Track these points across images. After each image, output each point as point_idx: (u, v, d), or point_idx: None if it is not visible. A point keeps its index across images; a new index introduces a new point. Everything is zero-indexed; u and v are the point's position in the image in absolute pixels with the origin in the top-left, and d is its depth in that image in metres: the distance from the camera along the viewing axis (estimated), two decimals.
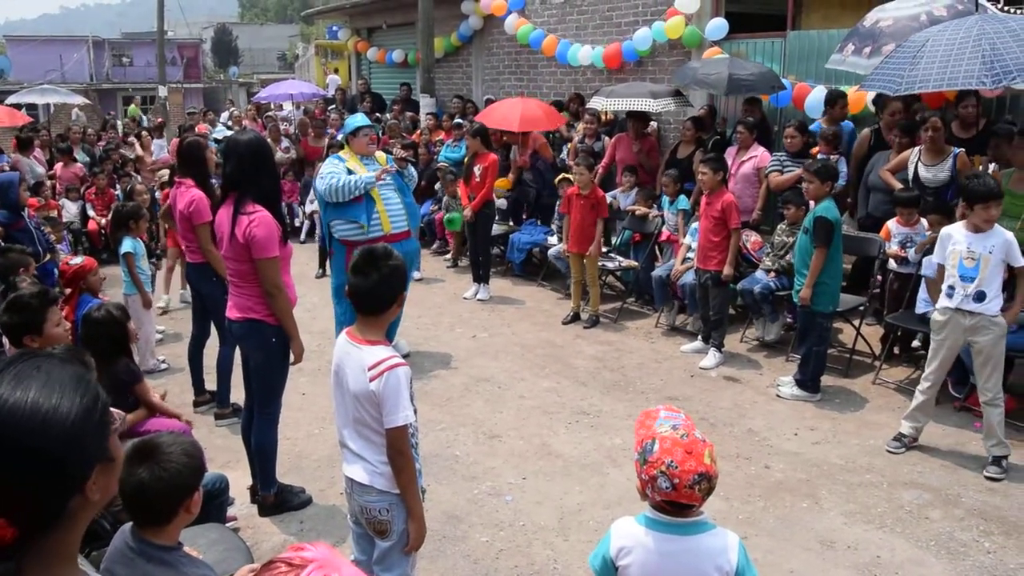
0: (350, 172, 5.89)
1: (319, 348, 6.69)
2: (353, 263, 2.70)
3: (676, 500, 1.94)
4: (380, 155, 6.18)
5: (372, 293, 2.66)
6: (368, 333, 2.70)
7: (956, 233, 4.63)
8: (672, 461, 1.92)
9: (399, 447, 2.64)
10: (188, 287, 8.06)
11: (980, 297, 4.48)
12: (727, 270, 6.22)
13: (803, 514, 4.19)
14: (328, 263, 9.27)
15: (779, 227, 6.66)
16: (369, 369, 2.59)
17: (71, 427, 1.11)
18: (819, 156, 6.90)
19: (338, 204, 5.85)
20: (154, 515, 2.12)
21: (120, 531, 2.17)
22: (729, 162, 7.23)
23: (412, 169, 6.33)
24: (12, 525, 1.07)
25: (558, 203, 8.35)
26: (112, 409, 1.31)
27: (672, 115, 9.54)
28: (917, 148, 6.26)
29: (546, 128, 9.61)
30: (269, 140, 11.43)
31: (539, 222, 9.34)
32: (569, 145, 9.63)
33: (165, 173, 8.58)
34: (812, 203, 5.71)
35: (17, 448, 1.07)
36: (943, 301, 4.64)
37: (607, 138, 9.22)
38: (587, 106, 9.75)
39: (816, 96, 7.73)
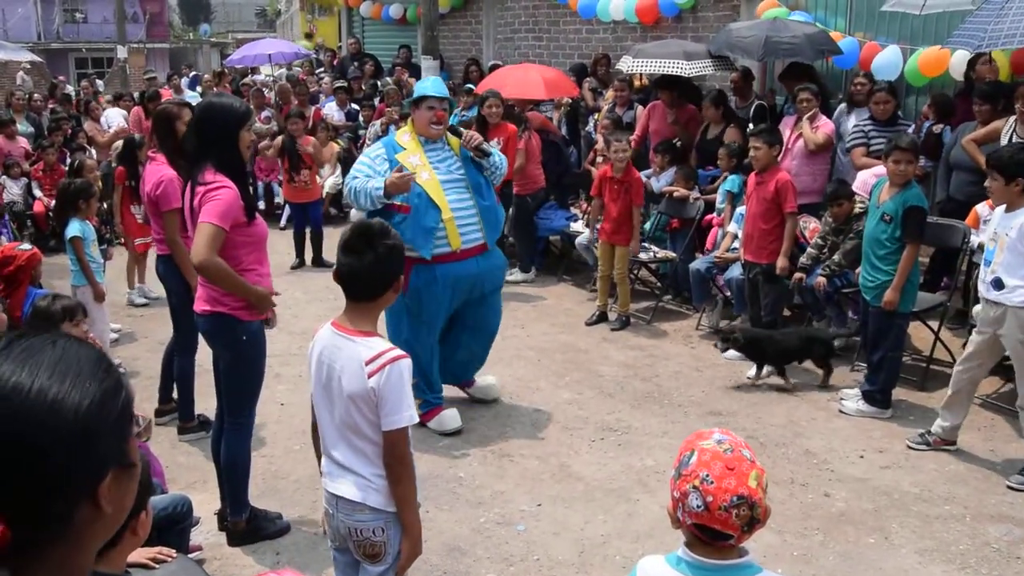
0: (400, 166, 5.06)
1: (300, 351, 6.69)
2: (344, 240, 2.73)
3: (708, 525, 1.89)
4: (453, 140, 5.32)
5: (365, 276, 2.69)
6: (360, 323, 2.72)
7: (997, 211, 4.79)
8: (708, 475, 1.87)
9: (399, 453, 2.67)
10: (145, 283, 8.11)
11: (998, 285, 4.58)
12: (781, 262, 6.16)
13: (869, 551, 4.16)
14: (305, 250, 9.36)
15: (824, 221, 6.59)
16: (367, 364, 2.62)
17: (81, 420, 1.06)
18: (925, 124, 6.91)
19: (385, 214, 4.93)
20: None
21: None
22: (785, 135, 7.16)
23: (496, 157, 5.35)
24: (6, 525, 1.04)
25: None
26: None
27: (715, 79, 9.48)
28: (1011, 118, 6.21)
29: (572, 93, 9.90)
30: (252, 107, 11.59)
31: (559, 205, 9.27)
32: (597, 115, 9.59)
33: (119, 145, 8.62)
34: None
35: (13, 440, 1.03)
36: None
37: (640, 107, 9.18)
38: (616, 68, 9.75)
39: (887, 56, 7.65)
